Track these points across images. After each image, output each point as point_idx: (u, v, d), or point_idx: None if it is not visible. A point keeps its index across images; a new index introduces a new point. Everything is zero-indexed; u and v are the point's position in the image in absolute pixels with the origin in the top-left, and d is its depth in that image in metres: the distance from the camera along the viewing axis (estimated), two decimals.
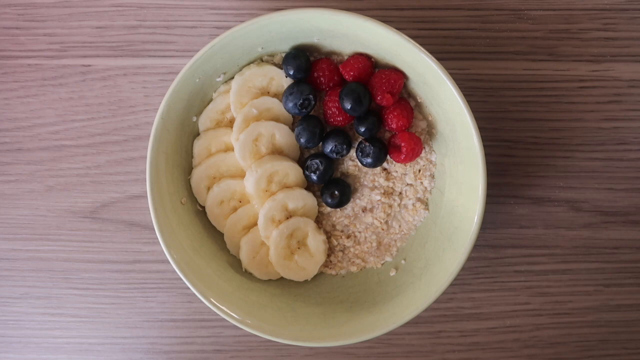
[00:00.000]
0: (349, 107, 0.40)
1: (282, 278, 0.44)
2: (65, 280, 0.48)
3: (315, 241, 0.43)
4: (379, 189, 0.43)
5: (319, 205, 0.44)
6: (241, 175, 0.42)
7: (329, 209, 0.44)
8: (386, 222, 0.44)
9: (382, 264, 0.45)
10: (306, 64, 0.41)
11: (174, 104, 0.39)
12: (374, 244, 0.44)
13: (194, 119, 0.42)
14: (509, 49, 0.45)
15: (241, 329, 0.39)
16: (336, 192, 0.42)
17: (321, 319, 0.41)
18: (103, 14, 0.46)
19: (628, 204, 0.47)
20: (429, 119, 0.42)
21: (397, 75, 0.41)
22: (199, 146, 0.42)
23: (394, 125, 0.41)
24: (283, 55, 0.41)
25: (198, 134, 0.43)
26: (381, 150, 0.41)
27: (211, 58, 0.38)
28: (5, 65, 0.46)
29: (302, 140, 0.41)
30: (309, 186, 0.43)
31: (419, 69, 0.39)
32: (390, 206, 0.44)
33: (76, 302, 0.48)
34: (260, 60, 0.42)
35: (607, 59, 0.46)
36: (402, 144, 0.41)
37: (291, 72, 0.40)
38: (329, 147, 0.41)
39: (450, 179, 0.42)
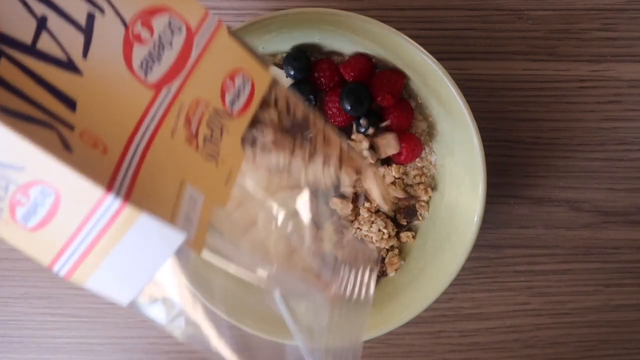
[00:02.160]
0: (349, 108, 0.40)
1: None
2: (65, 280, 0.48)
3: None
4: None
5: None
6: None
7: None
8: None
9: None
10: (307, 65, 0.41)
11: None
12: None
13: None
14: (509, 49, 0.45)
15: (241, 329, 0.39)
16: None
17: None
18: None
19: (628, 204, 0.47)
20: (429, 120, 0.42)
21: (398, 76, 0.41)
22: None
23: (394, 126, 0.41)
24: (284, 55, 0.42)
25: None
26: None
27: None
28: None
29: None
30: None
31: (419, 69, 0.39)
32: None
33: (76, 302, 0.48)
34: None
35: (607, 59, 0.46)
36: (402, 145, 0.41)
37: (292, 73, 0.41)
38: None
39: (450, 180, 0.42)
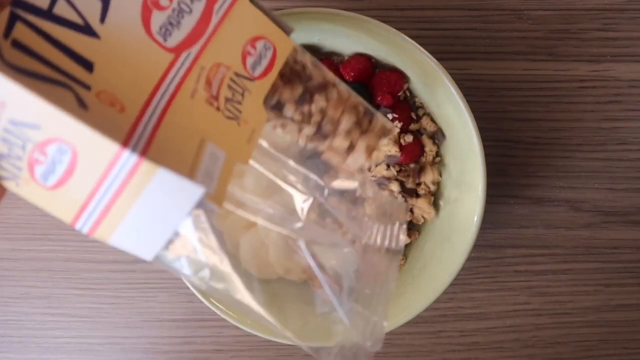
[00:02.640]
0: None
1: (281, 278, 0.44)
2: (65, 280, 0.48)
3: None
4: None
5: None
6: (241, 173, 0.42)
7: None
8: None
9: None
10: None
11: None
12: None
13: None
14: (509, 49, 0.45)
15: (241, 329, 0.39)
16: None
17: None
18: None
19: (628, 204, 0.47)
20: (429, 120, 0.42)
21: (398, 76, 0.41)
22: None
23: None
24: None
25: None
26: None
27: None
28: None
29: None
30: None
31: (419, 69, 0.39)
32: None
33: (76, 302, 0.48)
34: None
35: (607, 59, 0.46)
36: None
37: None
38: None
39: (450, 179, 0.42)
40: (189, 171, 0.20)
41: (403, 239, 0.31)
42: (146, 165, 0.20)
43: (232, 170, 0.23)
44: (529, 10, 0.45)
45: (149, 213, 0.20)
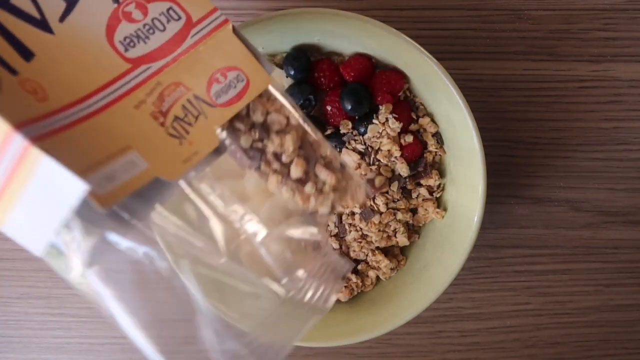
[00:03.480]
0: (349, 108, 0.40)
1: None
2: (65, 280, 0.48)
3: None
4: None
5: None
6: (242, 174, 0.42)
7: None
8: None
9: None
10: (307, 65, 0.41)
11: None
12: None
13: None
14: (509, 49, 0.45)
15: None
16: None
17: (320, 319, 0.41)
18: None
19: (628, 204, 0.47)
20: (429, 120, 0.42)
21: (398, 76, 0.41)
22: None
23: None
24: (284, 55, 0.42)
25: None
26: None
27: None
28: None
29: None
30: None
31: (419, 69, 0.39)
32: None
33: (76, 302, 0.48)
34: None
35: (607, 59, 0.46)
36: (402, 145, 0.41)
37: (292, 73, 0.41)
38: None
39: (450, 180, 0.42)
40: (85, 168, 0.20)
41: (332, 300, 0.31)
42: (34, 152, 0.20)
43: (145, 182, 0.23)
44: (529, 10, 0.45)
45: (37, 203, 0.20)
